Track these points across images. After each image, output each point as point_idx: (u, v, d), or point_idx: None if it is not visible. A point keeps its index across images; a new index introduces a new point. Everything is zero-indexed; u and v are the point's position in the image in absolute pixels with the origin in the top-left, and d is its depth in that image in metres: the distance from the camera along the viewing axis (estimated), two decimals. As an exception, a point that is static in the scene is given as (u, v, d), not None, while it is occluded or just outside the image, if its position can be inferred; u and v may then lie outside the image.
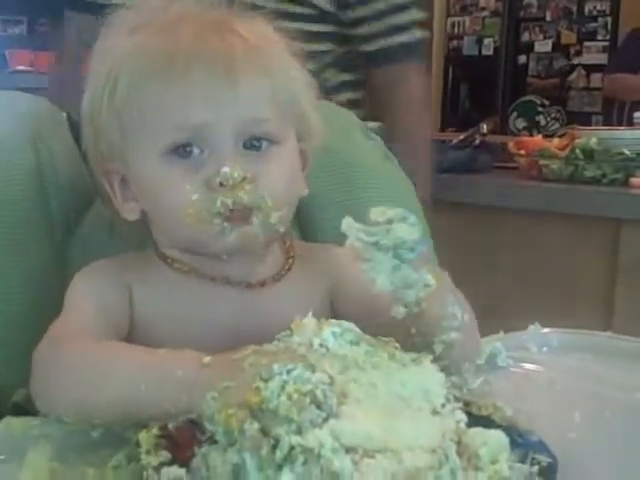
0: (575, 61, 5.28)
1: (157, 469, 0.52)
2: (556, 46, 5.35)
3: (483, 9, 5.63)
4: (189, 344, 0.60)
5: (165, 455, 0.53)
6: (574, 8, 5.26)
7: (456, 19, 5.74)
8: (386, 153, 1.04)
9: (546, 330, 0.85)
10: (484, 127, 2.12)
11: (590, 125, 4.90)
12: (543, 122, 5.25)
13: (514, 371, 0.78)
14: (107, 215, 0.84)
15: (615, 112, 3.90)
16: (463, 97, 5.75)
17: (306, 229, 0.90)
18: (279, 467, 0.49)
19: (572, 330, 0.87)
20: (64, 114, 0.94)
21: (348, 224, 0.60)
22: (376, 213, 0.60)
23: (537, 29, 5.44)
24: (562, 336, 0.86)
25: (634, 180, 1.78)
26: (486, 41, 5.64)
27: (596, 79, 5.13)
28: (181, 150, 0.67)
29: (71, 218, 0.86)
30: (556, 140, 2.00)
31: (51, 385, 0.60)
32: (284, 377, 0.52)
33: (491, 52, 5.65)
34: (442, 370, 0.59)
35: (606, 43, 5.09)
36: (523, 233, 1.80)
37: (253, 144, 0.69)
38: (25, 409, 0.66)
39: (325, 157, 0.86)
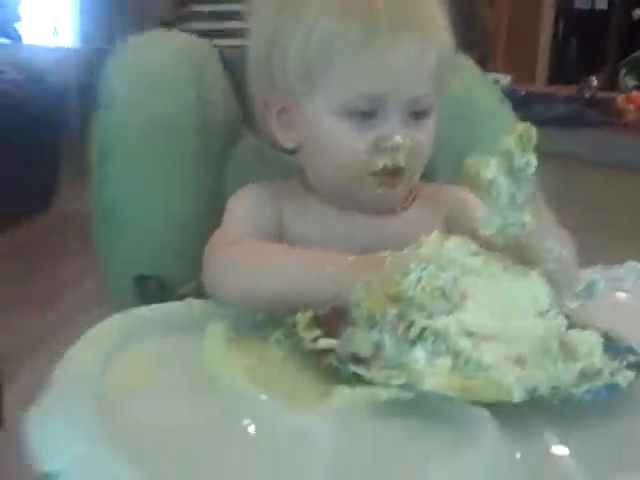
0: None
1: (314, 340, 0.65)
2: (674, 1, 5.20)
3: (599, -39, 5.49)
4: None
5: (318, 332, 0.66)
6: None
7: (570, -29, 5.62)
8: (502, 97, 1.14)
9: (640, 264, 0.94)
10: (594, 81, 2.15)
11: None
12: (655, 80, 5.11)
13: (610, 299, 0.88)
14: (256, 145, 0.98)
15: None
16: (573, 51, 5.66)
17: (429, 168, 1.01)
18: (412, 344, 0.62)
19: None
20: (216, 50, 1.06)
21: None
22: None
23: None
24: (657, 271, 0.94)
25: None
26: (601, -7, 5.52)
27: None
28: (360, 113, 0.77)
29: (225, 146, 0.99)
30: (667, 97, 2.03)
31: (224, 277, 0.73)
32: (419, 273, 0.64)
33: (605, 6, 5.53)
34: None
35: None
36: (627, 189, 1.85)
37: (417, 115, 0.79)
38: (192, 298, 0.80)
39: (447, 101, 0.95)
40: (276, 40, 0.79)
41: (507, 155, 0.68)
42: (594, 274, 0.90)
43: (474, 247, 0.71)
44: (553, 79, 5.34)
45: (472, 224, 0.78)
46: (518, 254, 0.72)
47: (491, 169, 0.68)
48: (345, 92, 0.77)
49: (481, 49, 3.77)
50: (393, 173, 0.78)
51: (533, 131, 0.68)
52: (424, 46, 0.77)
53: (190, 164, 0.94)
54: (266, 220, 0.82)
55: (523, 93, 2.30)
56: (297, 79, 0.78)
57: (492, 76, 2.41)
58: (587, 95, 2.09)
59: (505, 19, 5.49)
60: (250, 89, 0.85)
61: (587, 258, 0.95)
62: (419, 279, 0.63)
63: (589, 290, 0.88)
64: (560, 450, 0.55)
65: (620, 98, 2.07)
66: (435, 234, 0.72)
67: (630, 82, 5.17)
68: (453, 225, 0.86)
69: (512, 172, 0.69)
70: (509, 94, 2.26)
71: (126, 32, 1.02)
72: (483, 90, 1.11)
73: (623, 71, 5.18)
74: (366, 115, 0.77)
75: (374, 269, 0.66)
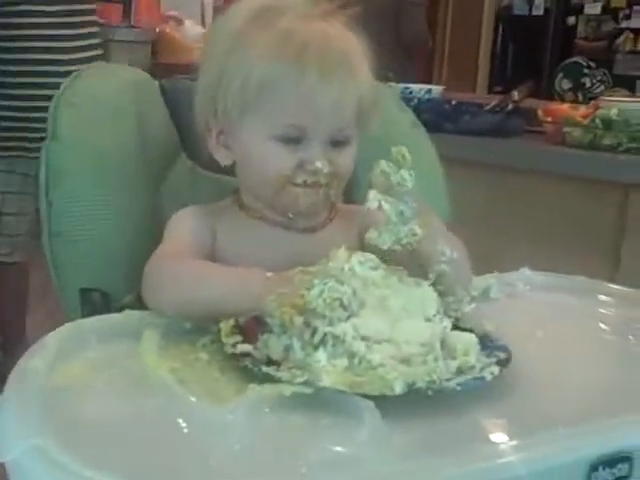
0: (623, 25, 5.34)
1: (233, 345, 0.76)
2: (605, 9, 5.41)
3: (535, -31, 5.68)
4: None
5: (239, 338, 0.77)
6: (625, -28, 5.30)
7: (508, -22, 5.80)
8: (414, 121, 1.26)
9: (531, 272, 1.07)
10: (516, 94, 2.30)
11: (634, 89, 5.00)
12: (588, 84, 5.30)
13: (501, 301, 1.00)
14: (190, 166, 1.09)
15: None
16: (511, 56, 5.84)
17: (352, 189, 1.12)
18: (316, 347, 0.73)
19: (553, 273, 1.08)
20: (157, 82, 1.17)
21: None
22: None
23: (588, -10, 5.50)
24: (544, 277, 1.07)
25: (648, 149, 1.97)
26: (537, 1, 5.71)
27: (644, 43, 5.20)
28: (287, 139, 0.90)
29: (163, 168, 1.10)
30: (582, 108, 2.18)
31: (161, 290, 0.85)
32: (321, 287, 0.75)
33: (541, 12, 5.72)
34: (439, 294, 0.82)
35: (656, 7, 5.14)
36: (540, 194, 2.00)
37: (337, 144, 0.92)
38: (132, 309, 0.90)
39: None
40: (222, 79, 0.92)
41: (384, 175, 0.81)
42: (490, 279, 1.03)
43: (375, 262, 0.83)
44: (493, 84, 5.53)
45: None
46: (412, 259, 0.85)
47: (372, 199, 0.80)
48: (275, 122, 0.90)
49: (422, 41, 3.94)
50: (312, 185, 0.91)
51: (406, 151, 0.82)
52: (346, 92, 0.90)
53: (131, 185, 1.05)
54: (201, 239, 0.94)
55: (454, 103, 2.43)
56: (236, 110, 0.91)
57: (425, 87, 2.54)
58: (509, 107, 2.24)
59: (447, 28, 5.66)
60: (194, 114, 0.98)
61: (507, 260, 1.08)
62: (321, 292, 0.75)
63: (485, 294, 1.01)
64: (428, 430, 0.67)
65: (540, 110, 2.21)
66: (342, 250, 0.84)
67: (566, 85, 5.39)
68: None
69: (392, 190, 0.82)
70: (440, 104, 2.42)
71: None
72: (397, 115, 1.24)
73: (560, 75, 5.40)
74: (292, 140, 0.90)
75: (286, 284, 0.78)
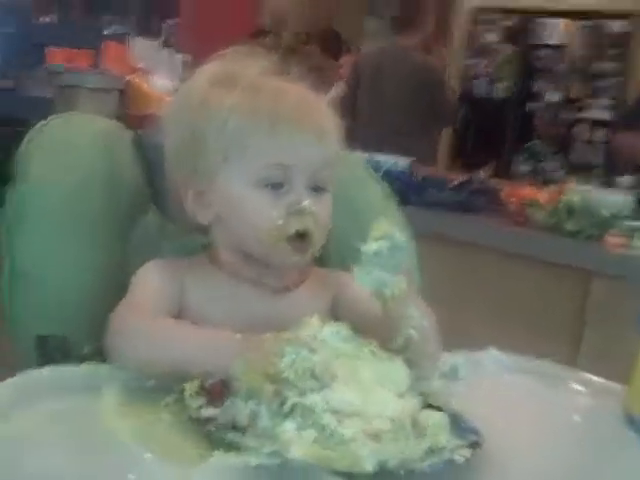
0: (581, 115, 5.52)
1: (197, 409, 0.73)
2: (565, 98, 5.59)
3: (498, 53, 5.86)
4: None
5: (203, 401, 0.74)
6: (585, 64, 5.49)
7: (472, 61, 5.96)
8: (387, 192, 1.26)
9: (499, 353, 1.06)
10: (482, 174, 2.33)
11: (590, 176, 5.13)
12: (547, 168, 5.46)
13: (470, 381, 0.99)
14: (160, 222, 1.06)
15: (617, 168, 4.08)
16: (472, 136, 5.97)
17: (322, 256, 1.11)
18: (285, 417, 0.71)
19: (519, 355, 1.07)
20: (129, 133, 1.15)
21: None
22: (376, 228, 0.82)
23: (549, 79, 5.68)
24: (511, 359, 1.06)
25: (608, 238, 2.00)
26: (499, 85, 5.87)
27: (600, 134, 5.37)
28: (271, 184, 0.90)
29: (131, 220, 1.07)
30: (545, 192, 2.22)
31: (125, 345, 0.82)
32: (293, 356, 0.73)
33: (503, 96, 5.88)
34: (408, 366, 0.80)
35: (613, 101, 5.32)
36: (503, 273, 2.02)
37: (317, 189, 0.92)
38: (91, 361, 0.87)
39: (338, 197, 1.06)
40: (194, 138, 0.91)
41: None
42: (458, 357, 1.01)
43: (348, 333, 0.81)
44: (453, 162, 5.63)
45: (354, 306, 0.93)
46: (385, 321, 0.84)
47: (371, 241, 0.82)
48: (256, 165, 0.90)
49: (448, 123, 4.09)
50: (303, 238, 0.90)
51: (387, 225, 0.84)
52: (322, 131, 0.91)
53: (97, 234, 1.02)
54: (169, 293, 0.91)
55: (420, 178, 2.46)
56: (216, 162, 0.91)
57: (393, 158, 2.57)
58: (475, 186, 2.27)
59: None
60: (168, 176, 0.97)
61: (469, 336, 1.07)
62: (293, 361, 0.72)
63: (453, 372, 0.99)
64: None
65: (504, 191, 2.24)
66: (315, 318, 0.82)
67: (525, 168, 5.52)
68: (338, 306, 0.98)
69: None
70: (407, 178, 2.44)
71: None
72: (372, 188, 1.23)
73: (520, 158, 5.53)
74: (276, 186, 0.90)
75: (257, 348, 0.75)
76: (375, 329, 0.83)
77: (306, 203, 0.90)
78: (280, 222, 0.89)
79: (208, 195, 0.93)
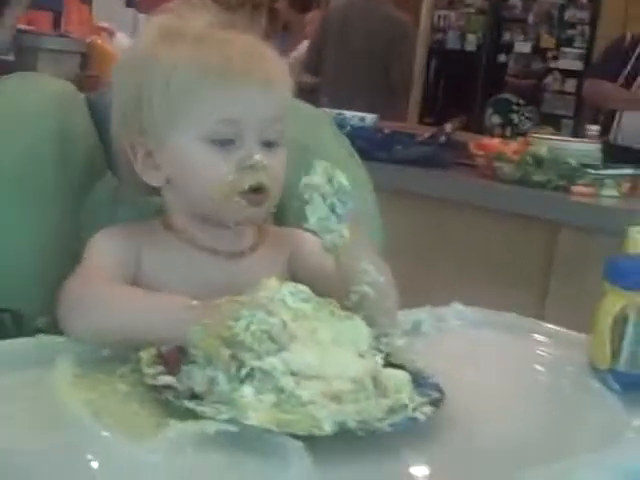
0: (552, 65, 5.50)
1: (154, 376, 0.71)
2: (535, 48, 5.56)
3: (469, 5, 5.81)
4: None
5: (160, 369, 0.73)
6: (555, 14, 5.46)
7: (442, 12, 5.92)
8: (350, 151, 1.24)
9: (463, 307, 1.05)
10: (448, 126, 2.31)
11: (560, 127, 5.14)
12: (517, 120, 5.42)
13: (433, 336, 0.98)
14: (114, 185, 1.03)
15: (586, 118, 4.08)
16: (442, 90, 5.94)
17: (277, 214, 1.09)
18: (242, 382, 0.69)
19: (484, 309, 1.06)
20: (83, 95, 1.12)
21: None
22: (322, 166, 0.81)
23: (519, 30, 5.65)
24: (476, 313, 1.05)
25: (575, 188, 2.00)
26: (469, 37, 5.83)
27: (570, 84, 5.36)
28: (220, 139, 0.87)
29: (85, 184, 1.04)
30: (513, 144, 2.21)
31: (76, 314, 0.79)
32: (249, 319, 0.71)
33: (473, 48, 5.85)
34: (367, 323, 0.79)
35: (582, 51, 5.31)
36: (471, 227, 2.01)
37: (269, 143, 0.90)
38: (46, 333, 0.85)
39: (297, 152, 1.04)
40: (141, 94, 0.88)
41: (326, 173, 0.82)
42: (421, 313, 1.01)
43: (306, 293, 0.80)
44: (424, 116, 5.60)
45: (309, 262, 0.93)
46: (337, 274, 0.84)
47: (318, 174, 0.80)
48: (205, 121, 0.87)
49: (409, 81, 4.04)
50: (257, 191, 0.87)
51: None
52: (272, 80, 0.89)
53: (48, 201, 0.99)
54: (123, 260, 0.88)
55: (386, 132, 2.43)
56: (163, 120, 0.88)
57: (358, 114, 2.54)
58: (442, 139, 2.25)
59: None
60: (114, 137, 0.94)
61: (436, 292, 1.06)
62: (249, 324, 0.71)
63: (416, 328, 0.99)
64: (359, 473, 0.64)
65: (472, 144, 2.23)
66: (273, 279, 0.80)
67: (495, 120, 5.50)
68: (293, 264, 0.96)
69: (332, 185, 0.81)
70: (373, 133, 2.41)
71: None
72: (332, 143, 1.21)
73: (490, 110, 5.50)
74: (226, 142, 0.87)
75: (212, 313, 0.73)
76: (331, 286, 0.82)
77: (257, 157, 0.87)
78: (231, 177, 0.87)
79: (157, 156, 0.90)
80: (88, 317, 0.79)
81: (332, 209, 0.81)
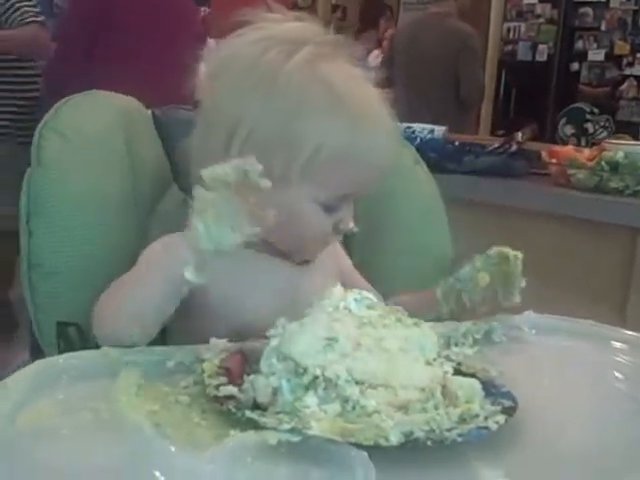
0: (627, 72, 5.35)
1: (217, 387, 0.70)
2: (609, 56, 5.43)
3: (539, 16, 5.72)
4: (248, 305, 0.83)
5: (223, 380, 0.71)
6: (629, 19, 5.32)
7: (512, 24, 5.84)
8: (416, 158, 1.22)
9: (537, 315, 1.01)
10: (520, 135, 2.26)
11: (637, 135, 4.99)
12: (591, 130, 5.30)
13: (505, 345, 0.95)
14: (182, 198, 1.03)
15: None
16: (514, 101, 5.85)
17: None
18: (306, 391, 0.68)
19: (559, 317, 1.02)
20: (149, 112, 1.13)
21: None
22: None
23: (591, 38, 5.52)
24: (550, 321, 1.01)
25: (654, 193, 1.92)
26: (540, 47, 5.73)
27: (647, 90, 5.21)
28: (330, 205, 0.90)
29: (152, 201, 1.05)
30: (587, 151, 2.14)
31: (98, 323, 0.82)
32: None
33: (545, 58, 5.74)
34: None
35: (659, 55, 5.16)
36: (545, 236, 1.95)
37: None
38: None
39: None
40: (285, 136, 0.86)
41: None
42: (492, 322, 0.97)
43: (371, 300, 0.78)
44: (496, 128, 5.52)
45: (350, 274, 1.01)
46: None
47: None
48: (330, 192, 0.89)
49: (481, 96, 4.00)
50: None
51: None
52: (391, 165, 0.94)
53: (117, 217, 1.00)
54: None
55: (456, 144, 2.40)
56: (295, 172, 0.87)
57: (428, 127, 2.51)
58: (513, 148, 2.20)
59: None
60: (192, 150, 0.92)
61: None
62: (315, 332, 0.69)
63: (488, 337, 0.95)
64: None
65: (545, 151, 2.17)
66: (338, 286, 0.78)
67: (569, 130, 5.38)
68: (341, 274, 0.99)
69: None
70: (443, 144, 2.38)
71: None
72: (400, 150, 1.19)
73: (563, 120, 5.39)
74: (330, 208, 0.90)
75: None
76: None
77: (352, 225, 0.92)
78: (328, 236, 0.92)
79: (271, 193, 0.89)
80: (105, 323, 0.82)
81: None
